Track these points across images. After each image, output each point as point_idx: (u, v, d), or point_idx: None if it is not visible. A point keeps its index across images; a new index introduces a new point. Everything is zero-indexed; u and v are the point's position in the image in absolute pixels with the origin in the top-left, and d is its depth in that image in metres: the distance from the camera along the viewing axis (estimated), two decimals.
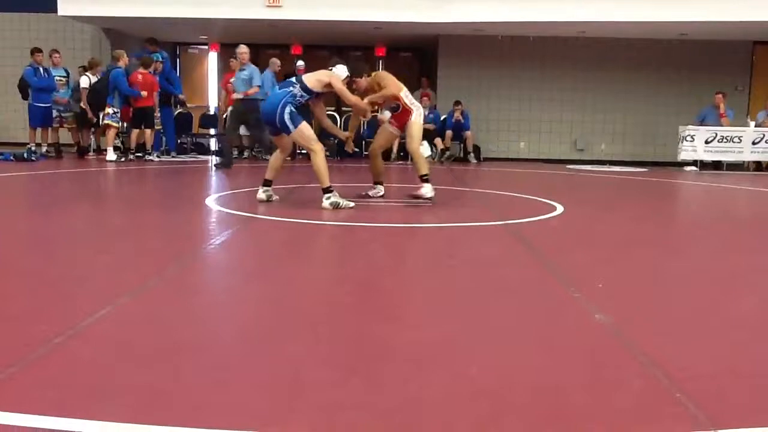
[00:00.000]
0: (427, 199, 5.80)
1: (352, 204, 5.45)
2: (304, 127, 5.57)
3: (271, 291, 2.88)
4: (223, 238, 4.09)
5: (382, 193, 6.35)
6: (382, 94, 5.92)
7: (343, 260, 3.61)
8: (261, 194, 5.72)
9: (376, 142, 6.48)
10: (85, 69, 11.13)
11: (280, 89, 5.71)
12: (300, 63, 12.25)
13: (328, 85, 5.65)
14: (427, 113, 13.03)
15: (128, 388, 1.72)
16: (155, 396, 1.68)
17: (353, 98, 5.76)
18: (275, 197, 5.79)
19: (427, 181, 5.82)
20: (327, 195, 5.36)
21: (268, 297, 2.77)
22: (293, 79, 5.81)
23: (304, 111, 5.83)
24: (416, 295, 2.87)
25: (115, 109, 10.46)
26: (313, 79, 5.65)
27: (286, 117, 5.45)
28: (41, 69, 10.80)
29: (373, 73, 6.19)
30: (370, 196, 6.23)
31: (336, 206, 5.33)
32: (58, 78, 11.04)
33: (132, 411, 1.58)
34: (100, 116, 10.67)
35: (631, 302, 2.78)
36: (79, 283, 2.98)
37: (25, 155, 10.03)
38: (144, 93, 10.44)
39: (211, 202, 5.77)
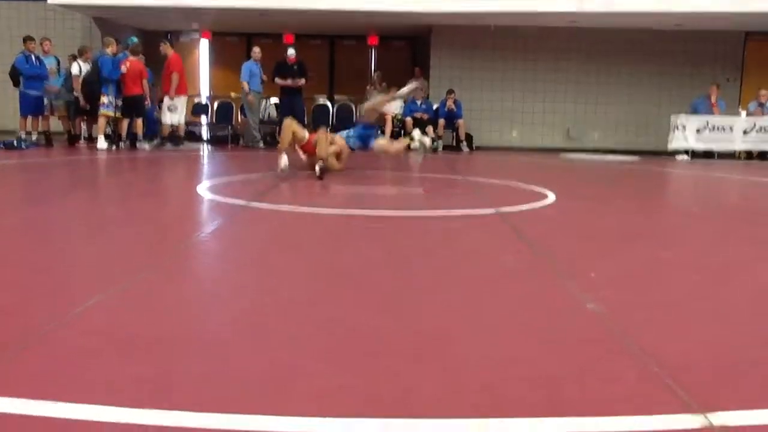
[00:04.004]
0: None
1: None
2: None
3: (264, 280, 2.88)
4: (215, 226, 4.07)
5: (285, 164, 7.12)
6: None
7: (336, 249, 3.61)
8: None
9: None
10: (75, 57, 11.05)
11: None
12: (291, 51, 12.22)
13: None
14: (419, 102, 13.04)
15: (119, 376, 1.72)
16: (147, 383, 1.68)
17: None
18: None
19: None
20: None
21: (261, 286, 2.77)
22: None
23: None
24: (409, 284, 2.87)
25: (110, 98, 10.40)
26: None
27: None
28: (33, 57, 10.71)
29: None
30: (281, 170, 7.05)
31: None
32: (50, 66, 10.96)
33: (123, 398, 1.58)
34: (98, 106, 10.59)
35: (623, 291, 2.79)
36: (69, 272, 2.97)
37: (15, 143, 9.97)
38: (124, 68, 10.39)
39: (203, 190, 5.75)
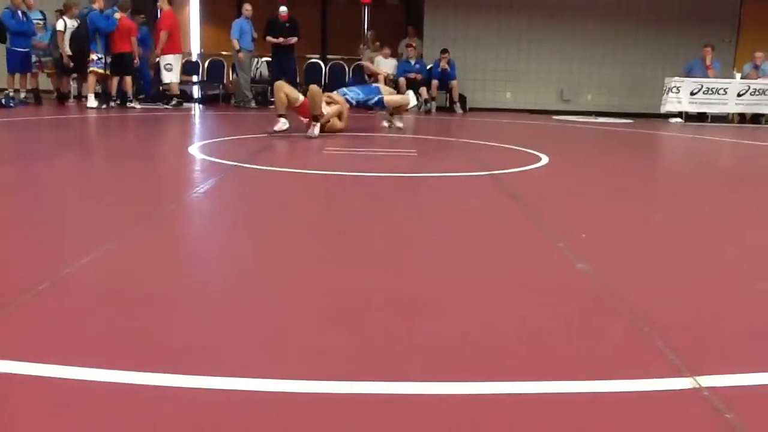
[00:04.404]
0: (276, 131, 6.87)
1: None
2: None
3: (256, 239, 2.87)
4: (207, 186, 4.06)
5: (286, 127, 6.94)
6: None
7: (328, 210, 3.60)
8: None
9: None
10: (61, 12, 10.84)
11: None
12: (283, 9, 12.01)
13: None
14: (413, 63, 12.91)
15: (114, 336, 1.72)
16: (141, 343, 1.68)
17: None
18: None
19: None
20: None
21: (253, 245, 2.77)
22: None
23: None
24: (401, 244, 2.87)
25: (99, 55, 10.24)
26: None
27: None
28: (20, 12, 10.48)
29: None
30: (275, 131, 6.86)
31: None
32: (36, 21, 10.74)
33: (118, 358, 1.58)
34: (87, 63, 10.43)
35: (613, 252, 2.81)
36: (61, 231, 2.96)
37: (3, 101, 9.84)
38: (117, 16, 10.24)
39: (195, 150, 5.71)
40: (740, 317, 2.04)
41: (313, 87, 6.99)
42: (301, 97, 7.03)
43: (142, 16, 11.63)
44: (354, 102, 7.45)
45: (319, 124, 6.81)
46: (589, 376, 1.58)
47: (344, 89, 7.63)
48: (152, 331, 1.77)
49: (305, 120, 7.08)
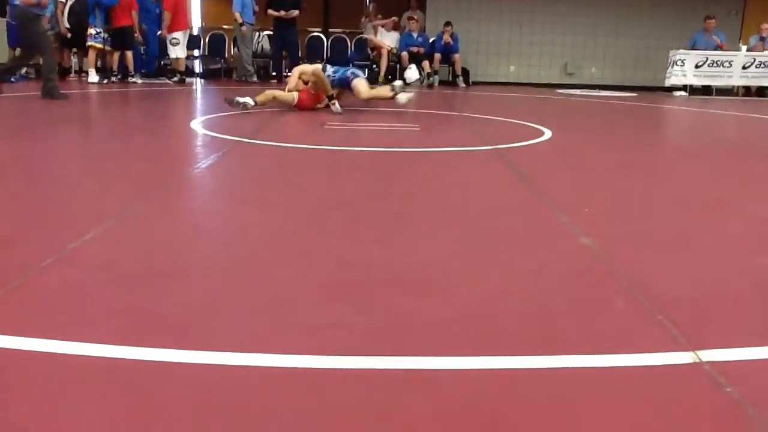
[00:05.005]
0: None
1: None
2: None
3: (259, 215, 2.88)
4: (209, 161, 4.05)
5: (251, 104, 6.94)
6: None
7: (331, 184, 3.60)
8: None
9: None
10: None
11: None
12: None
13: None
14: (415, 36, 12.81)
15: (117, 311, 1.73)
16: (144, 318, 1.69)
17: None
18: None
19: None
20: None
21: (256, 221, 2.77)
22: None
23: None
24: (404, 219, 2.87)
25: (98, 30, 10.17)
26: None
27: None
28: None
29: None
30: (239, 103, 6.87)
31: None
32: None
33: (122, 333, 1.59)
34: (86, 37, 10.36)
35: (616, 226, 2.81)
36: (63, 207, 2.96)
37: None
38: None
39: (197, 125, 5.69)
40: (742, 292, 2.05)
41: (317, 70, 6.91)
42: (296, 95, 6.97)
43: None
44: (334, 78, 7.16)
45: (336, 101, 6.81)
46: (590, 350, 1.59)
47: (327, 66, 7.39)
48: (156, 306, 1.78)
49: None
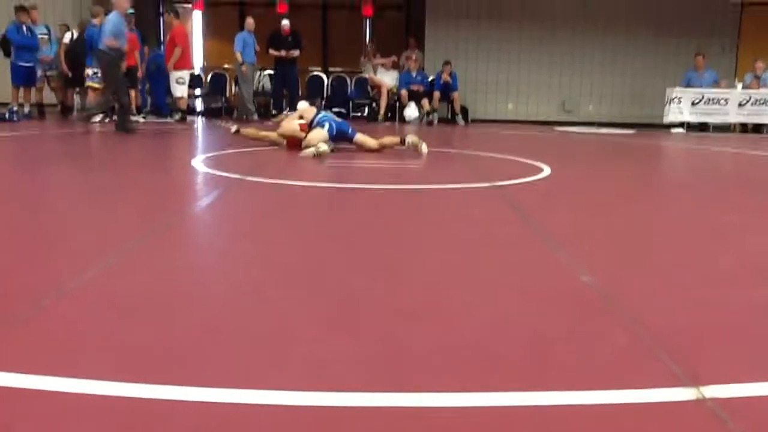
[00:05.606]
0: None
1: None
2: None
3: (259, 249, 2.88)
4: (210, 198, 4.07)
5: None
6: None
7: (331, 220, 3.61)
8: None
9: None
10: (67, 26, 10.92)
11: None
12: (285, 23, 12.11)
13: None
14: (414, 74, 12.96)
15: (117, 349, 1.73)
16: (144, 356, 1.68)
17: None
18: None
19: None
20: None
21: (256, 255, 2.77)
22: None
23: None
24: (404, 255, 2.88)
25: (95, 70, 10.28)
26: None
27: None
28: (24, 27, 10.54)
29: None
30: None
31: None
32: (41, 35, 10.82)
33: (121, 370, 1.58)
34: (83, 77, 10.50)
35: (615, 262, 2.81)
36: (64, 244, 2.97)
37: (7, 115, 9.88)
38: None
39: (198, 163, 5.73)
40: (744, 326, 2.04)
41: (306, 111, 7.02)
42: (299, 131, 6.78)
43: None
44: (334, 130, 6.73)
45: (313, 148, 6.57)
46: (592, 386, 1.58)
47: (329, 116, 7.06)
48: (156, 343, 1.78)
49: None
